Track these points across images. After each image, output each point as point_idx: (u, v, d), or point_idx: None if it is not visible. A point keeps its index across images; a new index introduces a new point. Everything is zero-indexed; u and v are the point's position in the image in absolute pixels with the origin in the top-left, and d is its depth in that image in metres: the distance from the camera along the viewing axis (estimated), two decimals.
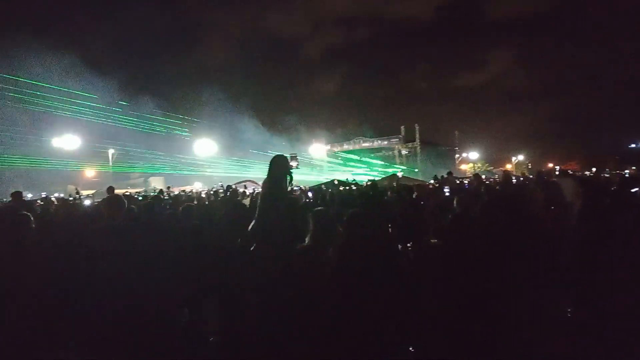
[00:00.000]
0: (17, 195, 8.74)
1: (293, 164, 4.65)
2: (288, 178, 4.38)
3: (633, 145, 56.30)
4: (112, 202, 4.67)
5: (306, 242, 3.54)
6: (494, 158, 58.70)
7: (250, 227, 4.29)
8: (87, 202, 12.72)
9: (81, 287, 3.82)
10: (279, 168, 4.36)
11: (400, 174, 25.39)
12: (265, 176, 4.43)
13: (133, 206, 6.04)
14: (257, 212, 4.29)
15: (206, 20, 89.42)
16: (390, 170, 38.50)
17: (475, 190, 8.42)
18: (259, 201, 4.41)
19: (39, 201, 14.92)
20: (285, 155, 4.59)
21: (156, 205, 7.99)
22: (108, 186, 11.09)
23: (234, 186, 15.25)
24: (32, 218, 4.06)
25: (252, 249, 4.18)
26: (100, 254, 3.95)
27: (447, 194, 7.92)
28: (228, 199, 9.28)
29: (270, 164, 4.39)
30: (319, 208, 3.89)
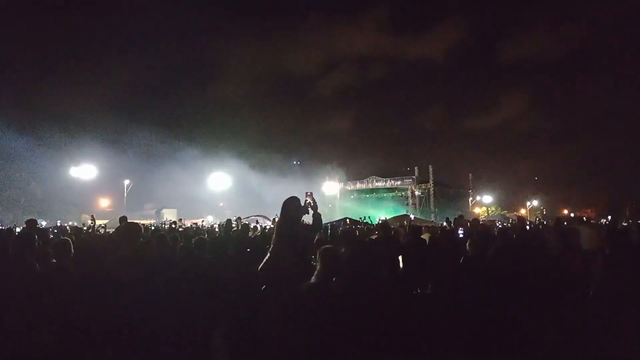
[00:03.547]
0: (32, 222, 8.82)
1: (308, 200, 4.55)
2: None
3: None
4: (129, 230, 4.71)
5: (312, 279, 3.49)
6: (508, 202, 57.98)
7: (261, 266, 4.21)
8: (100, 232, 12.78)
9: (105, 315, 3.87)
10: (294, 210, 4.30)
11: (412, 217, 25.13)
12: (279, 214, 4.34)
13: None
14: (270, 252, 4.21)
15: (221, 58, 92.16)
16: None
17: (487, 234, 8.34)
18: (272, 242, 4.30)
19: (52, 229, 15.02)
20: (298, 197, 4.42)
21: (168, 238, 7.99)
22: (121, 215, 11.04)
23: (245, 221, 15.26)
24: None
25: (263, 287, 4.11)
26: (121, 285, 4.00)
27: (461, 236, 7.84)
28: (240, 234, 9.24)
29: (284, 205, 4.31)
30: (326, 246, 3.79)
